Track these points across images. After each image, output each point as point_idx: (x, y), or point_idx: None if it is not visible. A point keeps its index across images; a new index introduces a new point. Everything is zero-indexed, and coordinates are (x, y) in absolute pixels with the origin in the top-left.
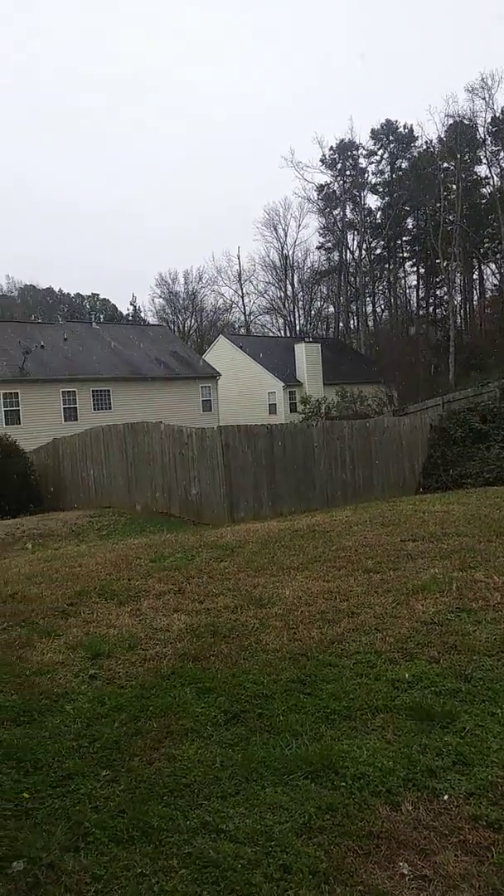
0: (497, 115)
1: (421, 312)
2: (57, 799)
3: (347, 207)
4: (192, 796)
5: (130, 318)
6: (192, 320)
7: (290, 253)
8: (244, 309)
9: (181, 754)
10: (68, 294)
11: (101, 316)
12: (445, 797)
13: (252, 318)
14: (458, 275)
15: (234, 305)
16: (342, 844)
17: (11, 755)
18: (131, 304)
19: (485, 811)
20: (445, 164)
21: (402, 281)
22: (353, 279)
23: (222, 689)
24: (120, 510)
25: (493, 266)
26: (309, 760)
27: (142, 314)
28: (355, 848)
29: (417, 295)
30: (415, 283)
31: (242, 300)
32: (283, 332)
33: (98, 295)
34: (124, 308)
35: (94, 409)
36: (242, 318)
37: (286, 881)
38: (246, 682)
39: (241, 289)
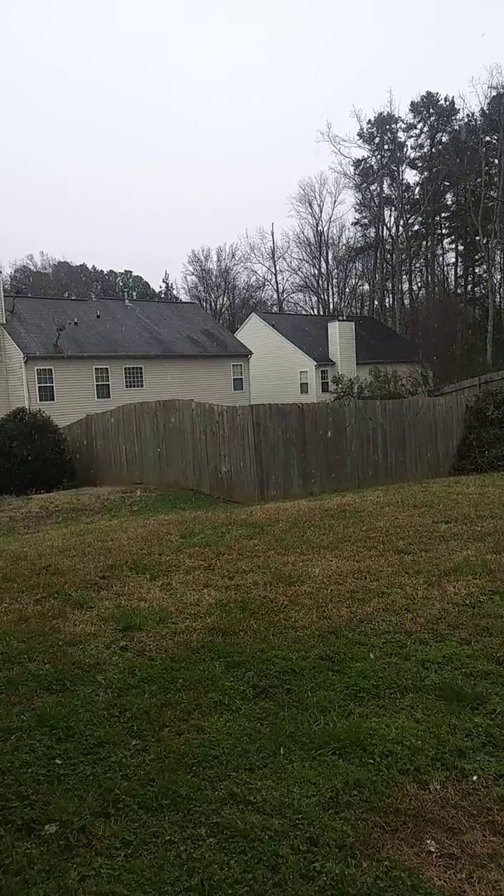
0: None
1: (459, 291)
2: (88, 766)
3: (385, 183)
4: (221, 767)
5: (163, 295)
6: (225, 298)
7: (325, 229)
8: (277, 287)
9: (210, 726)
10: (101, 271)
11: (134, 293)
12: (474, 778)
13: (285, 295)
14: (499, 252)
15: (266, 283)
16: (369, 820)
17: (45, 722)
18: (164, 282)
19: None
20: (488, 138)
21: (440, 258)
22: (389, 256)
23: (251, 663)
24: (151, 487)
25: None
26: (337, 737)
27: (174, 291)
28: (382, 824)
29: (455, 273)
30: (453, 260)
31: (275, 277)
32: (316, 310)
33: (131, 272)
34: (157, 285)
35: (127, 387)
36: (275, 295)
37: (312, 853)
38: (275, 658)
39: (275, 266)
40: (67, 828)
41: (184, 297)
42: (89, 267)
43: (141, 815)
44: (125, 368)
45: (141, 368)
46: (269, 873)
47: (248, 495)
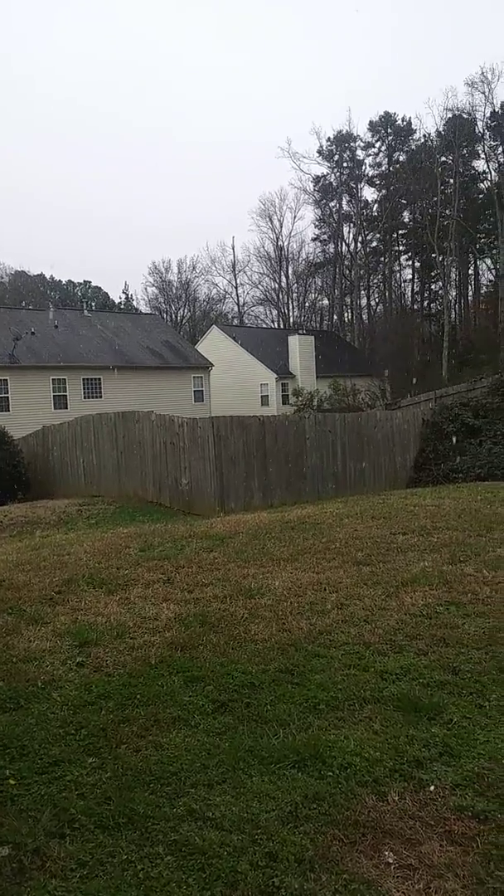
0: (496, 109)
1: (415, 307)
2: (43, 785)
3: (344, 199)
4: (179, 784)
5: (122, 306)
6: (186, 310)
7: (286, 244)
8: (238, 299)
9: (168, 742)
10: (60, 281)
11: (93, 304)
12: (431, 788)
13: (246, 308)
14: (454, 270)
15: (227, 296)
16: (328, 833)
17: None
18: (124, 293)
19: (470, 802)
20: (443, 158)
21: (398, 275)
22: (348, 272)
23: (210, 678)
24: (109, 499)
25: (488, 262)
26: (296, 750)
27: (134, 303)
28: (341, 837)
29: (412, 289)
30: (410, 277)
31: (236, 290)
32: (276, 323)
33: (90, 282)
34: (116, 296)
35: (85, 398)
36: (236, 308)
37: (272, 868)
38: (234, 672)
39: (235, 279)
40: (21, 850)
41: (144, 309)
42: (47, 277)
43: (97, 834)
44: (84, 379)
45: (100, 379)
46: (228, 890)
47: (208, 507)
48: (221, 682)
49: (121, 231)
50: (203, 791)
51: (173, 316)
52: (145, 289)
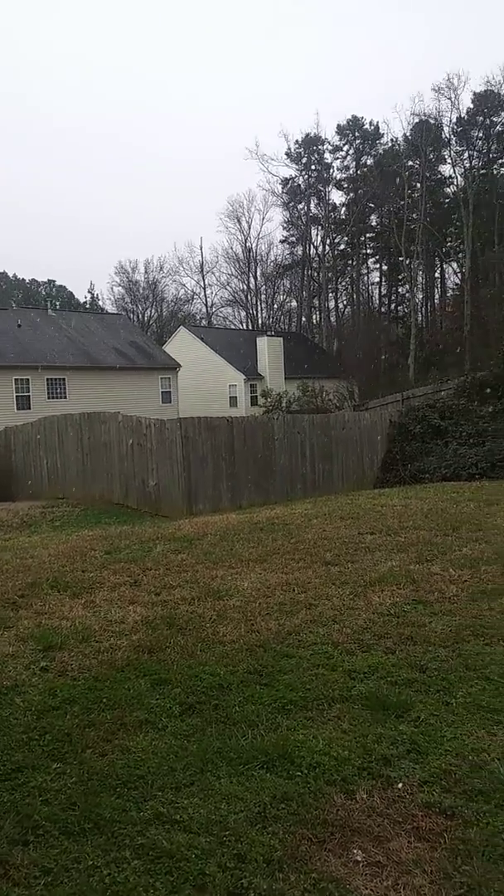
0: (462, 115)
1: (383, 309)
2: (6, 792)
3: (312, 202)
4: (146, 787)
5: (88, 306)
6: (153, 310)
7: (254, 246)
8: (206, 300)
9: (135, 746)
10: (23, 280)
11: (58, 303)
12: (399, 785)
13: (214, 309)
14: (420, 273)
15: (195, 296)
16: (297, 833)
17: None
18: (89, 292)
19: (437, 798)
20: (410, 163)
21: (365, 277)
22: (316, 274)
23: (178, 680)
24: (74, 501)
25: (454, 265)
26: (265, 750)
27: (100, 302)
28: (310, 836)
29: (380, 292)
30: (377, 279)
31: (204, 291)
32: (245, 324)
33: (54, 282)
34: (82, 296)
35: (49, 398)
36: (204, 309)
37: (240, 870)
38: (202, 674)
39: (203, 280)
40: None
41: (110, 309)
42: (10, 275)
43: (62, 840)
44: (48, 379)
45: (64, 380)
46: (196, 893)
47: (176, 509)
48: (189, 684)
49: (86, 230)
50: (170, 794)
51: (140, 316)
52: (111, 288)
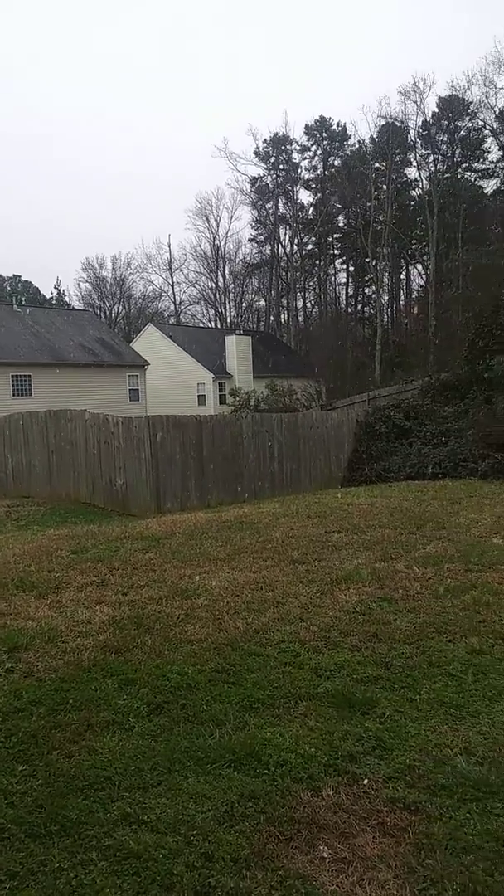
0: (427, 119)
1: (350, 310)
2: None
3: (280, 201)
4: (113, 788)
5: (55, 302)
6: (120, 307)
7: (222, 244)
8: (174, 298)
9: (102, 747)
10: None
11: (23, 299)
12: (365, 781)
13: (182, 307)
14: (387, 275)
15: (163, 294)
16: (264, 831)
17: None
18: (55, 288)
19: (402, 793)
20: (377, 165)
21: (333, 278)
22: (284, 273)
23: (145, 680)
24: (40, 500)
25: (419, 267)
26: (232, 749)
27: (66, 298)
28: (277, 834)
29: (347, 292)
30: (344, 280)
31: (172, 289)
32: (213, 323)
33: (20, 277)
34: (48, 291)
35: (14, 395)
36: (172, 307)
37: (207, 869)
38: (170, 674)
39: (172, 277)
40: None
41: (77, 305)
42: None
43: (28, 843)
44: (12, 376)
45: (30, 377)
46: (164, 893)
47: (144, 508)
48: (157, 683)
49: (52, 225)
50: (138, 794)
51: (107, 313)
52: (78, 284)
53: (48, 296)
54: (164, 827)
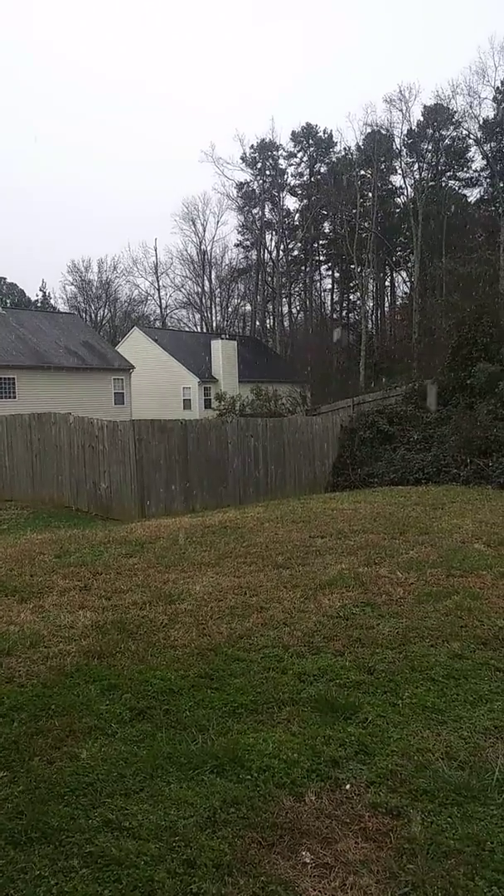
0: (412, 127)
1: (335, 316)
2: None
3: (266, 207)
4: (95, 795)
5: (40, 304)
6: (106, 310)
7: (209, 248)
8: (160, 302)
9: (84, 753)
10: None
11: (8, 301)
12: (347, 786)
13: (168, 311)
14: (371, 281)
15: (149, 298)
16: (246, 837)
17: None
18: (41, 290)
19: (384, 798)
20: (362, 172)
21: (318, 284)
22: (270, 279)
23: (128, 685)
24: (23, 504)
25: (403, 274)
26: (215, 755)
27: (52, 301)
28: (259, 839)
29: (332, 298)
30: (329, 286)
31: (158, 293)
32: (199, 327)
33: (5, 279)
34: (33, 294)
35: None
36: (158, 311)
37: (189, 875)
38: (153, 679)
39: (158, 281)
40: None
41: (62, 308)
42: None
43: (8, 850)
44: None
45: (13, 379)
46: None
47: (128, 512)
48: (139, 689)
49: (39, 227)
50: (120, 801)
51: (93, 316)
52: (64, 287)
53: (33, 298)
54: (146, 833)
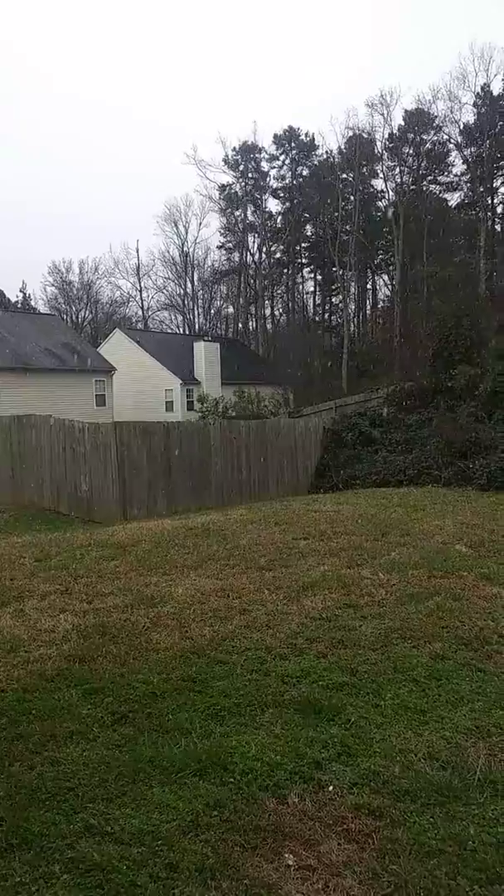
0: (394, 131)
1: (317, 318)
2: None
3: (249, 209)
4: (77, 800)
5: (20, 305)
6: (87, 312)
7: (191, 250)
8: (142, 303)
9: (65, 757)
10: None
11: None
12: (330, 788)
13: (150, 313)
14: (353, 284)
15: (131, 299)
16: (229, 840)
17: None
18: (21, 292)
19: (367, 800)
20: (344, 175)
21: (300, 286)
22: (252, 281)
23: (110, 689)
24: (3, 507)
25: (385, 278)
26: (198, 758)
27: (32, 302)
28: (242, 842)
29: (314, 301)
30: (312, 289)
31: (140, 294)
32: (181, 329)
33: None
34: (13, 295)
35: None
36: (140, 312)
37: (172, 879)
38: (135, 682)
39: (140, 283)
40: None
41: (43, 309)
42: None
43: None
44: None
45: None
46: None
47: (110, 515)
48: (121, 693)
49: (19, 227)
50: (102, 805)
51: (74, 317)
52: (44, 288)
53: (13, 299)
54: (128, 838)
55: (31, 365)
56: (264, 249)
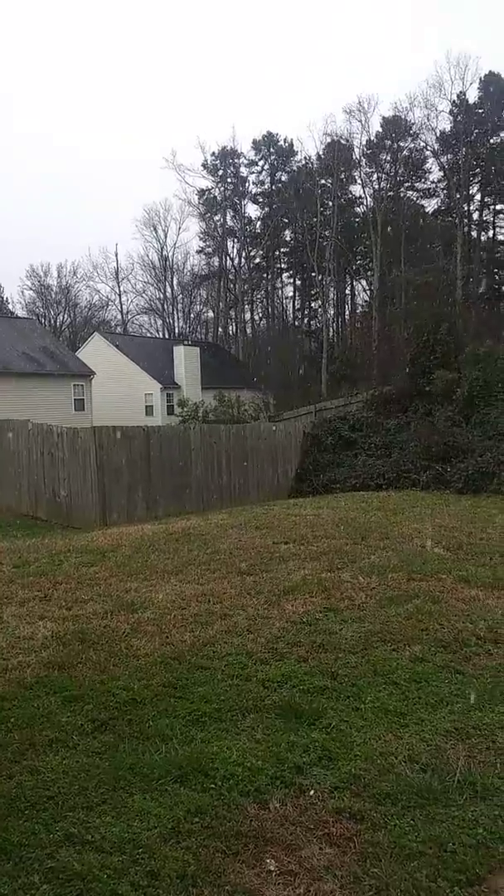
0: (371, 138)
1: (297, 323)
2: None
3: (228, 214)
4: (56, 808)
5: None
6: (66, 315)
7: (171, 254)
8: (121, 307)
9: (44, 766)
10: None
11: None
12: (311, 792)
13: (130, 317)
14: (332, 289)
15: (110, 303)
16: (210, 846)
17: None
18: None
19: (348, 804)
20: (323, 181)
21: (280, 291)
22: (232, 286)
23: (90, 696)
24: None
25: (363, 283)
26: (178, 764)
27: (10, 306)
28: (223, 848)
29: (293, 306)
30: (291, 294)
31: (120, 298)
32: (161, 333)
33: None
34: None
35: None
36: (119, 316)
37: (153, 887)
38: (115, 689)
39: (119, 287)
40: None
41: (21, 313)
42: None
43: None
44: None
45: None
46: None
47: (89, 520)
48: (101, 700)
49: None
50: (82, 814)
51: (52, 321)
52: (22, 292)
53: None
54: (109, 846)
55: (8, 369)
56: (244, 254)
